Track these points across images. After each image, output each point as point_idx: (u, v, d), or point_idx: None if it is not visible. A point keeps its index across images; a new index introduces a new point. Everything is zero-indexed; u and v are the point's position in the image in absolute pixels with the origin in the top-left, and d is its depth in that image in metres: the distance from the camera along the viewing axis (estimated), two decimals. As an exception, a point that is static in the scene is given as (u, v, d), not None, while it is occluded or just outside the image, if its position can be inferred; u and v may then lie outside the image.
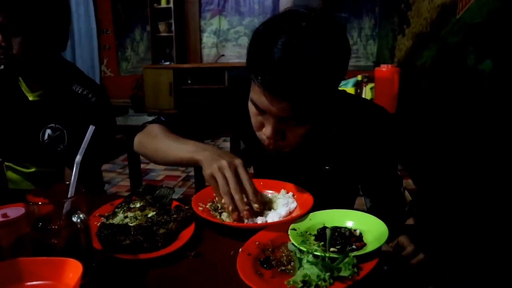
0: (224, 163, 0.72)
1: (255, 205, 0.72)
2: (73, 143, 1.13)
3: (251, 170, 1.13)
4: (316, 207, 0.76)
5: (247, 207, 0.72)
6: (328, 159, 0.92)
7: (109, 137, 1.18)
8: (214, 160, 0.73)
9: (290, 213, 0.79)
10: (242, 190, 0.72)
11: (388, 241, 0.79)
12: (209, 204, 0.82)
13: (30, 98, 1.13)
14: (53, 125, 1.13)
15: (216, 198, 0.79)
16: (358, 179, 1.01)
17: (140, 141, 0.95)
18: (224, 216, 0.77)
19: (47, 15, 1.02)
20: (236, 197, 0.71)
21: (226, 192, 0.71)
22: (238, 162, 0.73)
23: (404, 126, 3.13)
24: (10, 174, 1.18)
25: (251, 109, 0.80)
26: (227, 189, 0.71)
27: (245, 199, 0.72)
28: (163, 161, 0.89)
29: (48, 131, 1.13)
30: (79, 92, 1.14)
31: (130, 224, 0.71)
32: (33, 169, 1.17)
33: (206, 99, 1.02)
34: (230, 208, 0.72)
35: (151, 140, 0.91)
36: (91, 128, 0.63)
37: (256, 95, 0.74)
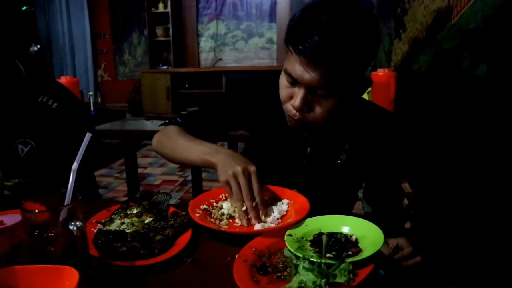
0: (239, 169, 0.76)
1: (262, 216, 0.76)
2: (48, 156, 1.09)
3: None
4: (315, 209, 0.76)
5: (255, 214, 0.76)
6: (339, 154, 0.95)
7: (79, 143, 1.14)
8: (230, 166, 0.77)
9: (283, 216, 0.80)
10: (253, 198, 0.76)
11: (388, 243, 0.80)
12: (203, 206, 0.83)
13: None
14: (23, 139, 1.08)
15: (230, 203, 0.83)
16: (363, 180, 1.03)
17: (159, 141, 0.99)
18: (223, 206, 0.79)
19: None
20: (248, 204, 0.75)
21: (239, 199, 0.76)
22: (252, 169, 0.77)
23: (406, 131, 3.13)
24: None
25: (283, 81, 0.84)
26: (240, 196, 0.76)
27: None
28: (180, 161, 0.94)
29: (21, 146, 1.09)
30: (42, 101, 1.08)
31: (127, 231, 0.71)
32: (15, 181, 1.13)
33: (225, 96, 1.06)
34: (240, 213, 0.76)
35: (169, 141, 0.96)
36: (88, 136, 0.63)
37: (291, 64, 0.79)
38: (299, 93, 0.80)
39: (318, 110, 0.81)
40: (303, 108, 0.81)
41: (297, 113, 0.82)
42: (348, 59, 0.75)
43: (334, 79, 0.76)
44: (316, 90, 0.78)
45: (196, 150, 0.87)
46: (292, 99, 0.82)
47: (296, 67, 0.77)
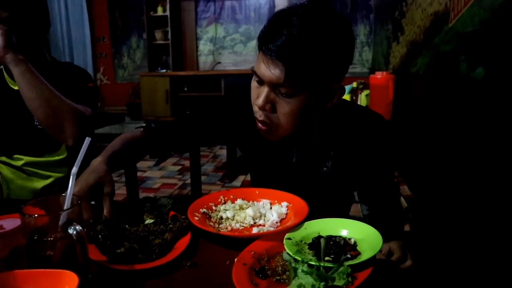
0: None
1: None
2: None
3: (248, 177, 1.12)
4: (311, 213, 0.76)
5: None
6: (326, 161, 0.94)
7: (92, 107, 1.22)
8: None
9: (282, 219, 0.80)
10: None
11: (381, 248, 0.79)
12: (203, 210, 0.83)
13: (15, 88, 1.14)
14: None
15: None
16: (354, 184, 1.02)
17: None
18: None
19: (35, 10, 1.10)
20: None
21: None
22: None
23: (399, 132, 3.15)
24: (2, 169, 1.20)
25: (252, 83, 0.85)
26: None
27: None
28: None
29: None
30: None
31: (127, 228, 0.72)
32: (22, 162, 1.18)
33: (202, 108, 1.05)
34: None
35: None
36: (87, 140, 0.63)
37: (257, 64, 0.81)
38: (262, 91, 0.81)
39: (281, 111, 0.81)
40: (265, 107, 0.81)
41: (261, 113, 0.82)
42: (310, 58, 0.75)
43: (294, 76, 0.76)
44: (279, 88, 0.79)
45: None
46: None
47: (260, 65, 0.79)
